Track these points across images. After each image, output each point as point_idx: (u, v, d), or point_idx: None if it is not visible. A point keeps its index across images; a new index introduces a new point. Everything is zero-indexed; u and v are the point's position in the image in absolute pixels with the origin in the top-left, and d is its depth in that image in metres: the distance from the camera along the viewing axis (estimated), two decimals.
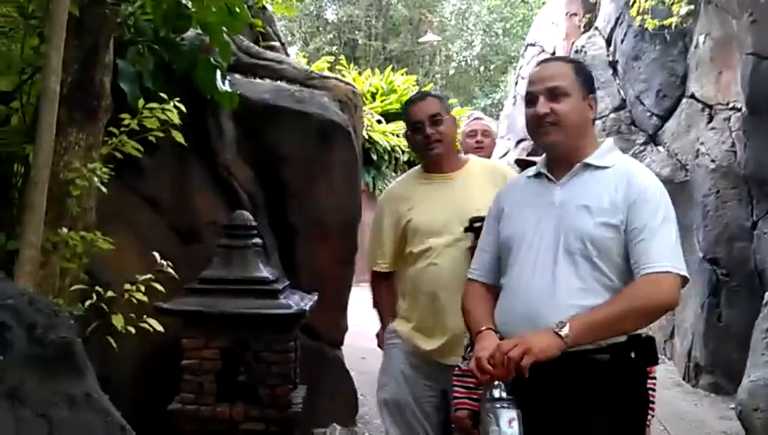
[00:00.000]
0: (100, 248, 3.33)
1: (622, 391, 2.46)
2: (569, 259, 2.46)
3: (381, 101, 14.66)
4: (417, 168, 3.74)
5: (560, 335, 2.33)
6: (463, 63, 23.58)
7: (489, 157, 4.99)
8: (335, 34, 21.24)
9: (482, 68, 23.65)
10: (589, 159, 2.57)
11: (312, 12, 21.17)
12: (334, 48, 20.15)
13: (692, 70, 7.89)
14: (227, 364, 4.06)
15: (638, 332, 2.49)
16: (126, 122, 3.48)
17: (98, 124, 3.29)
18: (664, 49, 8.33)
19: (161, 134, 3.53)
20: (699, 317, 7.10)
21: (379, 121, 13.84)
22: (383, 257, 3.65)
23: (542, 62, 2.81)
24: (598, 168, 2.56)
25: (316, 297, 4.47)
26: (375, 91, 14.85)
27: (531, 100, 2.58)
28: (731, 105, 7.08)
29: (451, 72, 23.12)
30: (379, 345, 3.78)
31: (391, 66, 14.61)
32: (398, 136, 13.64)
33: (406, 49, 21.50)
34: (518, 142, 11.31)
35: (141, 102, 3.51)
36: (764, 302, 5.47)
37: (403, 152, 14.03)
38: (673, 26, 8.02)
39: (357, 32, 21.52)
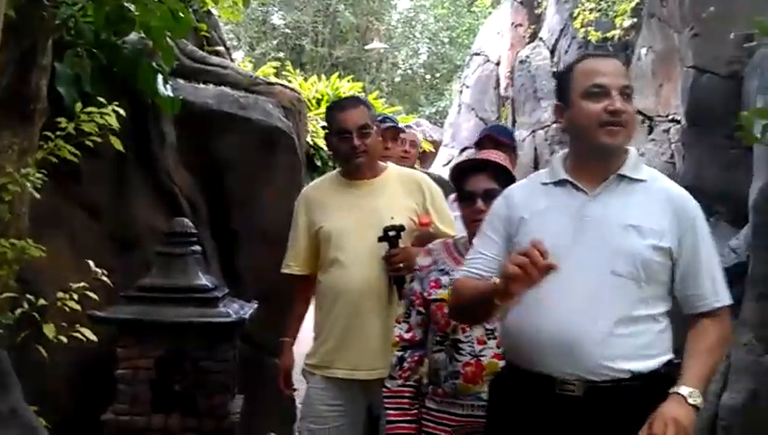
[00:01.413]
0: (31, 256, 3.22)
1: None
2: (616, 282, 2.28)
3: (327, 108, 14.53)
4: (334, 172, 3.71)
5: (695, 406, 2.19)
6: (409, 71, 23.63)
7: (412, 167, 4.96)
8: (281, 40, 21.13)
9: (428, 76, 23.73)
10: (624, 171, 2.39)
11: (259, 17, 21.02)
12: (281, 54, 20.04)
13: (633, 82, 7.97)
14: (164, 374, 3.97)
15: (670, 356, 2.38)
16: (63, 126, 3.40)
17: (33, 128, 3.20)
18: None
19: (99, 139, 3.45)
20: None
21: (324, 128, 13.71)
22: (296, 260, 3.62)
23: (599, 56, 2.61)
24: (632, 180, 2.39)
25: (256, 305, 4.41)
26: (321, 97, 14.74)
27: (599, 93, 2.33)
28: (671, 117, 7.18)
29: (397, 79, 23.17)
30: (281, 361, 3.75)
31: (338, 73, 14.52)
32: None
33: (352, 56, 21.49)
34: (462, 150, 11.36)
35: (79, 106, 3.43)
36: None
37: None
38: (616, 39, 8.15)
39: (304, 38, 21.43)
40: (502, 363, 2.69)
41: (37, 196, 3.26)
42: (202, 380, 3.97)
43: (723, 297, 2.37)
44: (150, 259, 4.26)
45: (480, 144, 4.45)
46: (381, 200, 3.44)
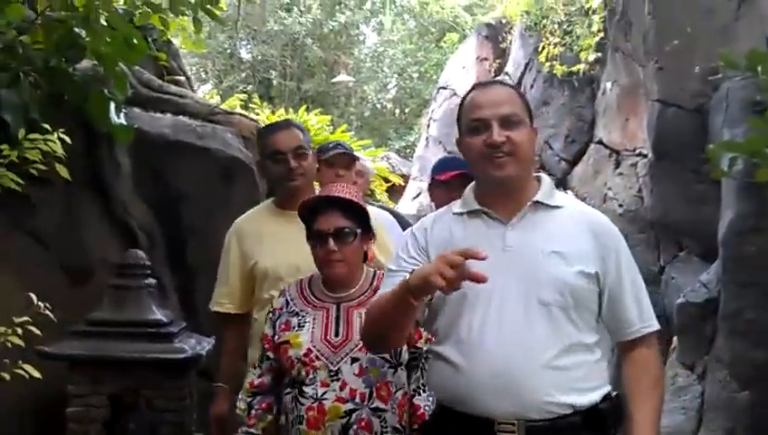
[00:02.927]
0: None
1: None
2: (543, 312, 2.18)
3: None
4: (268, 201, 3.48)
5: None
6: (378, 105, 23.64)
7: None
8: (249, 73, 21.03)
9: (397, 110, 23.75)
10: (539, 197, 2.32)
11: (227, 50, 20.94)
12: (249, 87, 19.96)
13: (600, 116, 7.99)
14: (117, 412, 3.80)
15: (608, 389, 2.30)
16: (5, 153, 3.25)
17: None
18: (572, 95, 8.43)
19: (43, 167, 3.30)
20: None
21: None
22: (230, 298, 3.35)
23: (482, 85, 2.50)
24: (549, 207, 2.32)
25: (215, 340, 4.25)
26: None
27: (479, 127, 2.27)
28: (637, 151, 7.16)
29: (366, 113, 23.15)
30: (213, 409, 3.40)
31: (306, 106, 14.50)
32: None
33: (321, 89, 21.43)
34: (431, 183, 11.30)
35: (23, 133, 3.28)
36: (672, 347, 5.48)
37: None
38: (581, 73, 8.14)
39: (272, 71, 21.37)
40: (344, 407, 2.60)
41: None
42: (157, 418, 3.80)
43: (651, 323, 2.33)
44: (103, 292, 4.10)
45: (449, 183, 4.05)
46: None
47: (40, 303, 3.18)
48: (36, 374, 3.18)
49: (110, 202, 4.72)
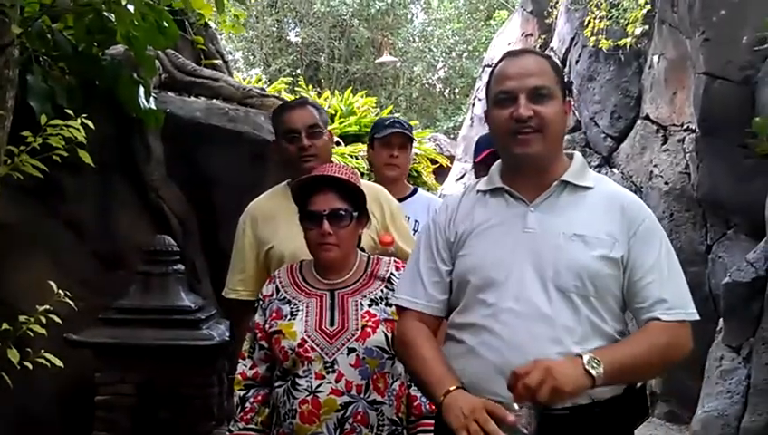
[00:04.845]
0: None
1: None
2: (562, 298, 2.06)
3: (340, 123, 14.46)
4: (283, 184, 3.35)
5: (591, 374, 1.91)
6: (426, 86, 23.49)
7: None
8: (297, 56, 21.06)
9: (446, 91, 23.59)
10: (567, 177, 2.17)
11: (274, 33, 20.99)
12: (297, 70, 19.98)
13: (646, 91, 7.77)
14: (144, 400, 3.80)
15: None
16: (29, 140, 3.23)
17: None
18: (618, 70, 8.20)
19: (66, 153, 3.27)
20: None
21: (337, 143, 13.60)
22: (244, 285, 3.22)
23: (512, 54, 2.30)
24: (578, 187, 2.17)
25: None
26: (334, 112, 14.67)
27: (505, 99, 2.13)
28: (685, 126, 6.94)
29: (414, 94, 23.01)
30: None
31: (352, 88, 14.47)
32: (356, 158, 13.44)
33: (368, 71, 21.38)
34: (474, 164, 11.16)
35: (44, 120, 3.25)
36: (718, 329, 5.31)
37: (363, 175, 13.83)
38: (627, 47, 7.91)
39: (319, 54, 21.37)
40: (340, 400, 2.48)
41: None
42: (184, 406, 3.78)
43: (679, 312, 2.09)
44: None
45: (486, 162, 3.87)
46: None
47: (60, 291, 3.15)
48: (59, 363, 3.16)
49: (143, 188, 4.71)
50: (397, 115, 11.53)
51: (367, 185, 3.14)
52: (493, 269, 2.11)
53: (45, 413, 4.04)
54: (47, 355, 3.14)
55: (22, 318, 3.12)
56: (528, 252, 2.10)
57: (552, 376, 1.87)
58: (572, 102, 2.23)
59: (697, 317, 2.11)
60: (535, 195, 2.17)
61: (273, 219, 3.17)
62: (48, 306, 3.17)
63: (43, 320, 3.17)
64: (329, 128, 3.30)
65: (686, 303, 2.12)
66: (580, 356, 1.95)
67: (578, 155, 2.26)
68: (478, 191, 2.29)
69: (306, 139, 3.12)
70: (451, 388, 2.04)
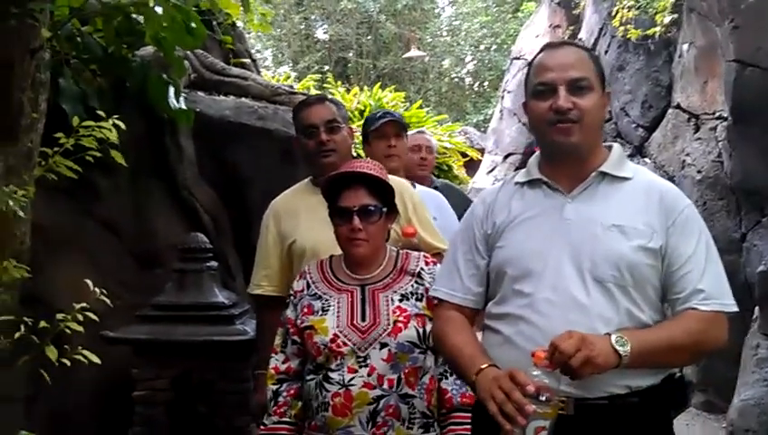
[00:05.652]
0: (11, 277, 3.05)
1: None
2: (599, 289, 2.06)
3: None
4: (306, 180, 3.37)
5: (618, 353, 1.93)
6: (455, 79, 23.43)
7: (429, 173, 4.63)
8: (325, 53, 21.10)
9: (475, 84, 23.53)
10: (605, 168, 2.18)
11: (302, 31, 21.05)
12: (325, 67, 20.02)
13: (677, 79, 7.72)
14: (181, 395, 3.85)
15: (673, 371, 2.14)
16: (62, 142, 3.28)
17: (17, 145, 3.06)
18: (648, 59, 8.16)
19: (99, 154, 3.31)
20: None
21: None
22: (269, 280, 3.25)
23: (552, 46, 2.32)
24: (616, 178, 2.18)
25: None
26: (363, 108, 14.70)
27: (545, 91, 2.15)
28: (717, 114, 6.89)
29: (444, 88, 22.97)
30: (257, 397, 3.26)
31: (380, 83, 14.49)
32: None
33: (397, 66, 21.37)
34: (506, 157, 11.14)
35: (77, 121, 3.30)
36: (754, 317, 5.28)
37: None
38: (657, 36, 7.86)
39: (347, 50, 21.40)
40: (373, 393, 2.50)
41: (22, 215, 3.00)
42: (219, 400, 3.83)
43: (714, 303, 2.08)
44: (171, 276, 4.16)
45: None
46: None
47: (97, 289, 3.19)
48: (96, 360, 3.20)
49: (176, 187, 4.77)
50: (425, 109, 11.52)
51: (390, 179, 3.16)
52: (530, 260, 2.14)
53: (83, 409, 4.10)
54: (85, 352, 3.18)
55: (59, 316, 3.16)
56: (565, 242, 2.12)
57: (587, 346, 1.90)
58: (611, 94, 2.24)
59: (735, 309, 2.11)
60: (573, 186, 2.20)
61: (295, 214, 3.21)
62: (85, 304, 3.21)
63: (80, 317, 3.20)
64: (356, 124, 3.34)
65: (723, 293, 2.11)
66: (609, 334, 1.97)
67: (617, 146, 2.27)
68: (516, 183, 2.31)
69: (324, 134, 3.16)
70: (483, 366, 2.07)
